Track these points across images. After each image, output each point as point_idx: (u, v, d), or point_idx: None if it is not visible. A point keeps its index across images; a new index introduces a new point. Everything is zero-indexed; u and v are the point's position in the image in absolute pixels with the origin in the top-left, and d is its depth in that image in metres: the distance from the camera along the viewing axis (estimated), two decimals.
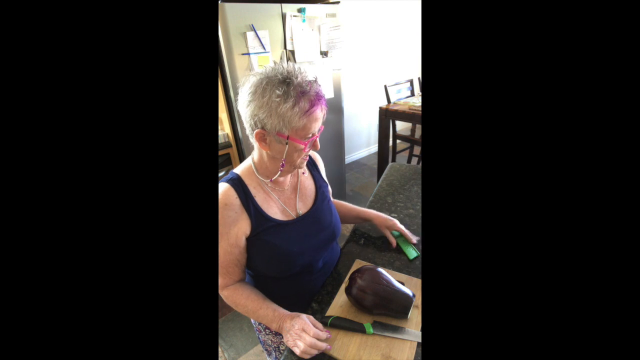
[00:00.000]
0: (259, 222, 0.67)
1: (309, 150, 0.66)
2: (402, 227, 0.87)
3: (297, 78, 0.57)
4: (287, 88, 0.56)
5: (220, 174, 1.71)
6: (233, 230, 0.65)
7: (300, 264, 0.71)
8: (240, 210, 0.66)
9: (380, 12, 2.97)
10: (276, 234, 0.68)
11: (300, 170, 0.79)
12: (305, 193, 0.77)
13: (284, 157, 0.63)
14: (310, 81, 0.59)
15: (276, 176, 0.68)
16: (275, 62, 0.65)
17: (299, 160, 0.65)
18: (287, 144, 0.60)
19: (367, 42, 2.98)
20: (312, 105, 0.58)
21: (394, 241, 0.86)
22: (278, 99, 0.56)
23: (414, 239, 0.86)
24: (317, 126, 0.61)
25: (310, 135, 0.61)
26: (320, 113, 0.60)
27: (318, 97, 0.59)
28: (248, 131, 0.63)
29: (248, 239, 0.68)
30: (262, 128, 0.59)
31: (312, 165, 0.82)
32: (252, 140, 0.64)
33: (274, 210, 0.70)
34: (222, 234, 0.64)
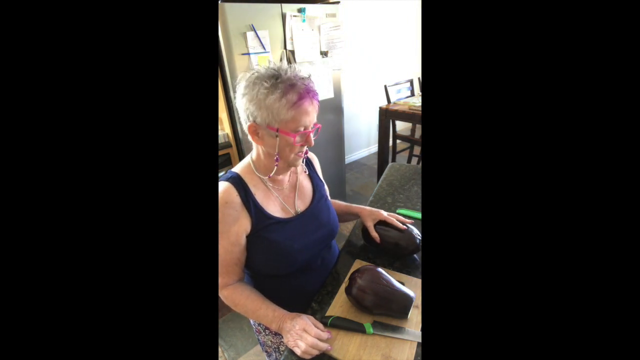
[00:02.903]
0: (259, 220, 0.67)
1: (303, 146, 0.65)
2: (387, 216, 0.83)
3: (286, 73, 0.59)
4: (275, 81, 0.58)
5: (220, 174, 1.71)
6: (234, 229, 0.65)
7: (300, 261, 0.71)
8: (241, 209, 0.66)
9: (380, 12, 2.97)
10: (276, 231, 0.69)
11: (301, 169, 0.79)
12: (303, 191, 0.78)
13: (276, 151, 0.64)
14: (300, 76, 0.60)
15: (272, 173, 0.69)
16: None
17: (292, 156, 0.65)
18: (277, 136, 0.62)
19: (367, 42, 2.98)
20: (300, 97, 0.59)
21: (377, 236, 0.81)
22: (266, 91, 0.58)
23: (401, 226, 0.81)
24: (307, 120, 0.61)
25: (302, 129, 0.61)
26: (310, 107, 0.60)
27: (307, 90, 0.60)
28: (244, 127, 0.65)
29: (248, 237, 0.68)
30: (254, 121, 0.62)
31: (308, 164, 0.83)
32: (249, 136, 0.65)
33: (274, 207, 0.71)
34: (222, 232, 0.64)
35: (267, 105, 0.58)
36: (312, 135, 0.64)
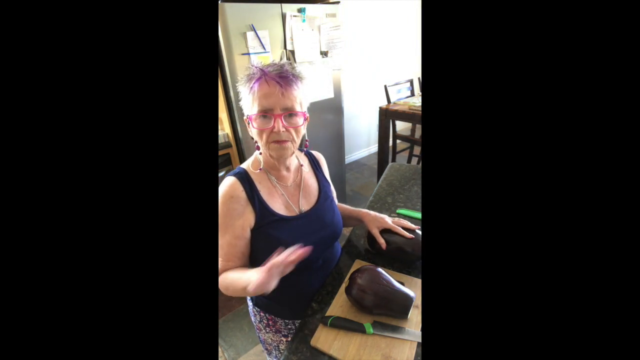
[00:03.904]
0: (263, 216, 0.68)
1: (275, 133, 0.63)
2: (392, 224, 0.80)
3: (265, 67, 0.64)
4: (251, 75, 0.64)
5: (220, 174, 1.71)
6: (238, 223, 0.66)
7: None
8: (246, 203, 0.67)
9: (380, 12, 2.97)
10: (279, 228, 0.69)
11: (308, 167, 0.80)
12: (308, 191, 0.78)
13: (255, 139, 0.68)
14: (272, 64, 0.63)
15: (262, 164, 0.72)
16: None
17: (269, 145, 0.65)
18: (249, 124, 0.66)
19: (367, 42, 2.98)
20: (256, 80, 0.62)
21: (383, 243, 0.78)
22: (242, 85, 0.65)
23: (407, 234, 0.79)
24: (266, 102, 0.61)
25: (265, 112, 0.62)
26: (267, 89, 0.61)
27: (264, 73, 0.62)
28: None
29: (252, 232, 0.68)
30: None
31: (314, 164, 0.83)
32: None
33: (278, 205, 0.71)
34: (227, 226, 0.65)
35: (243, 96, 0.65)
36: (281, 119, 0.62)
